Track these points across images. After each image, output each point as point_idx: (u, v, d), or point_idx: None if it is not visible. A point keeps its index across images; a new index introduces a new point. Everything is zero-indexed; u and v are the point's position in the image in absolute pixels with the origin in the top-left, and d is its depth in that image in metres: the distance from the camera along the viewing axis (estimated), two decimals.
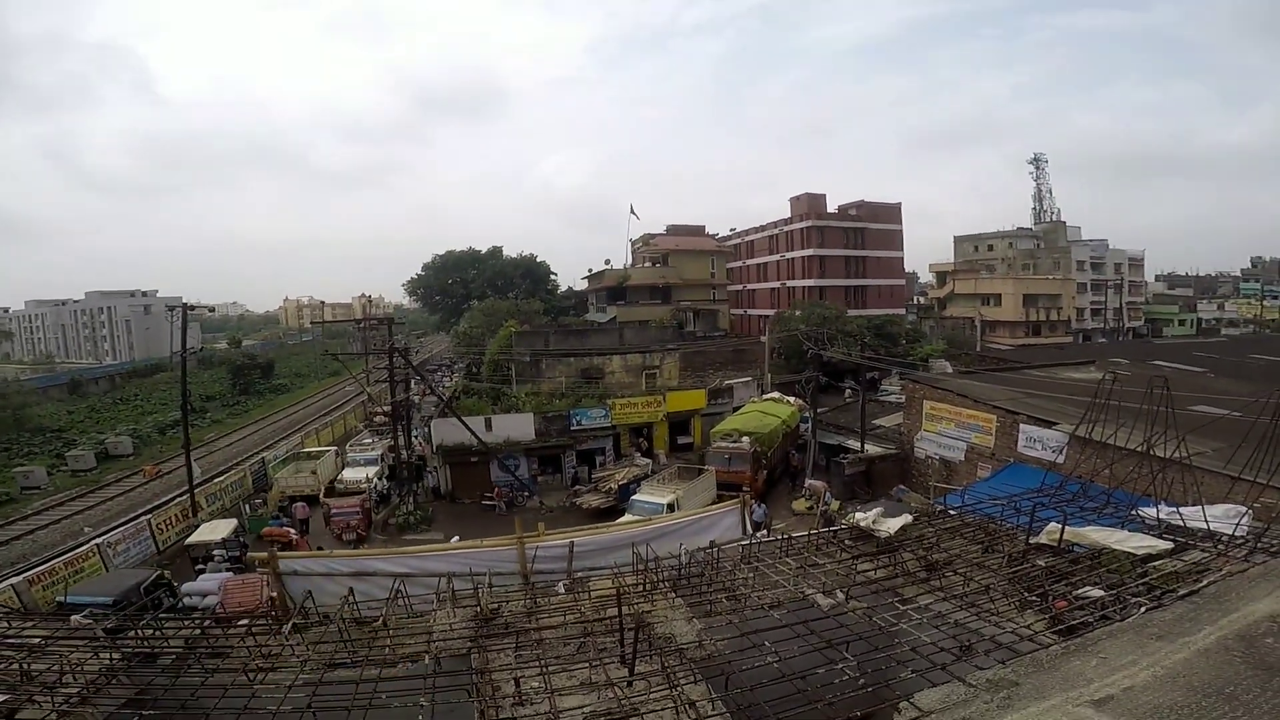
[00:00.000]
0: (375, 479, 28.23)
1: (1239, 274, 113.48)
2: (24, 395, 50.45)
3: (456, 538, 18.88)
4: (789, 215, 65.05)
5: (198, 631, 7.92)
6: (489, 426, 28.63)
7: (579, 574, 9.84)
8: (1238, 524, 6.26)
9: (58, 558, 19.78)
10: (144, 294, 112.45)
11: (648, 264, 63.58)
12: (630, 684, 5.84)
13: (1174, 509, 7.42)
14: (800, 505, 24.70)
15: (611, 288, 59.66)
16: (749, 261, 71.96)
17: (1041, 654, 3.53)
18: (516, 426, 29.45)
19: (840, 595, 6.76)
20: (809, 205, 62.55)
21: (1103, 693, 2.73)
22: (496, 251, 70.39)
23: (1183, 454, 9.04)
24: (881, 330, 48.60)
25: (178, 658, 6.99)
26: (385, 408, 34.78)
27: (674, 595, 7.99)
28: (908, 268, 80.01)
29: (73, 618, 8.91)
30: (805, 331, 37.78)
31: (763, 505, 23.19)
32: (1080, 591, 5.71)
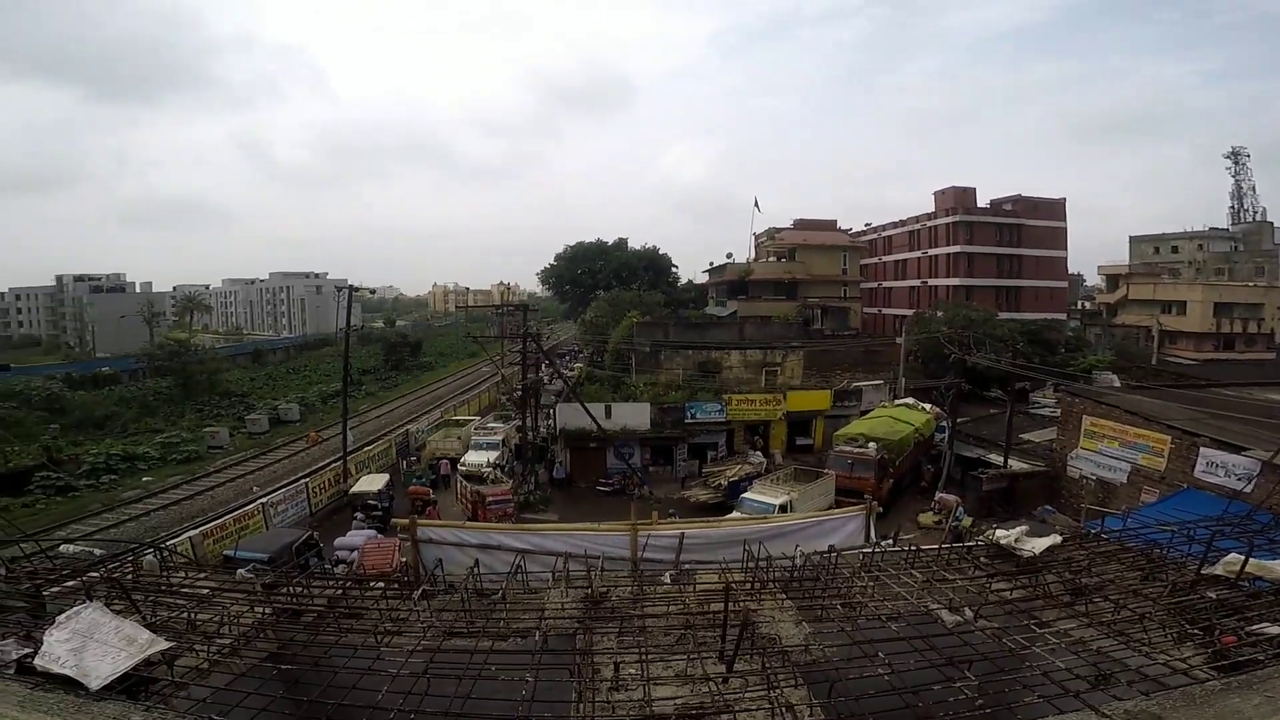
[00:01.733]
0: (496, 463, 28.63)
1: None
2: (217, 362, 58.05)
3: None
4: (932, 210, 61.32)
5: (338, 592, 8.62)
6: (608, 414, 29.28)
7: (686, 566, 9.88)
8: None
9: (229, 514, 21.70)
10: (316, 275, 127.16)
11: (772, 258, 62.08)
12: (726, 680, 5.80)
13: None
14: (927, 519, 23.20)
15: (733, 282, 58.99)
16: (885, 258, 68.57)
17: (1195, 689, 3.09)
18: (633, 415, 29.96)
19: (968, 613, 6.27)
20: (956, 199, 58.53)
21: None
22: (622, 243, 72.05)
23: None
24: (1037, 336, 44.52)
25: (318, 616, 7.58)
26: (516, 389, 36.76)
27: (783, 596, 7.81)
28: (1071, 269, 72.25)
29: (238, 572, 10.17)
30: (948, 334, 35.23)
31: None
32: (1255, 628, 4.90)
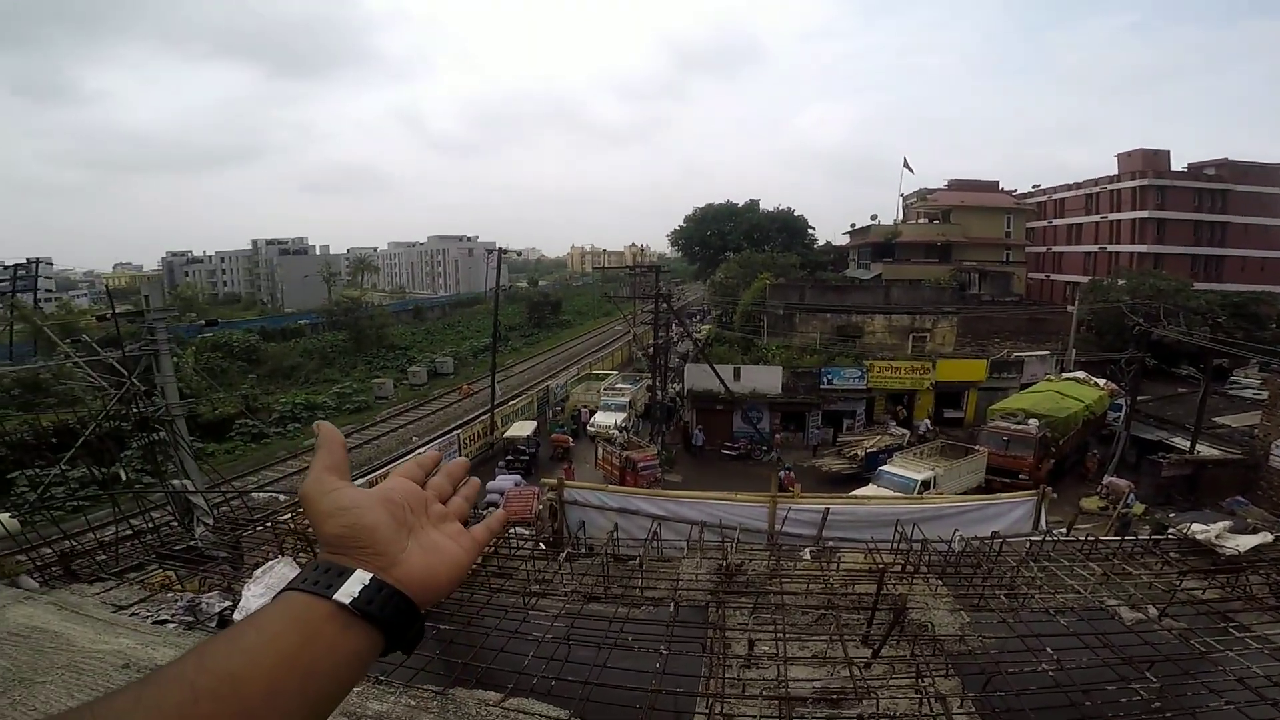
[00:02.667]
0: (623, 425, 28.61)
1: None
2: (384, 318, 63.36)
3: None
4: (1115, 173, 55.85)
5: (491, 550, 9.35)
6: (737, 376, 28.91)
7: (829, 543, 9.79)
8: None
9: (391, 464, 23.64)
10: (468, 239, 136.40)
11: (923, 220, 57.90)
12: (869, 665, 5.70)
13: None
14: (1091, 503, 21.11)
15: (878, 244, 55.79)
16: (1057, 222, 62.87)
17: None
18: (764, 379, 29.50)
19: (1152, 611, 5.70)
20: (1145, 162, 53.35)
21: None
22: (753, 205, 70.04)
23: None
24: (1243, 309, 38.67)
25: (472, 575, 8.34)
26: (648, 347, 37.46)
27: (938, 582, 7.53)
28: None
29: None
30: (1131, 304, 31.12)
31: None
32: None
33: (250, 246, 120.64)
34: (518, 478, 23.94)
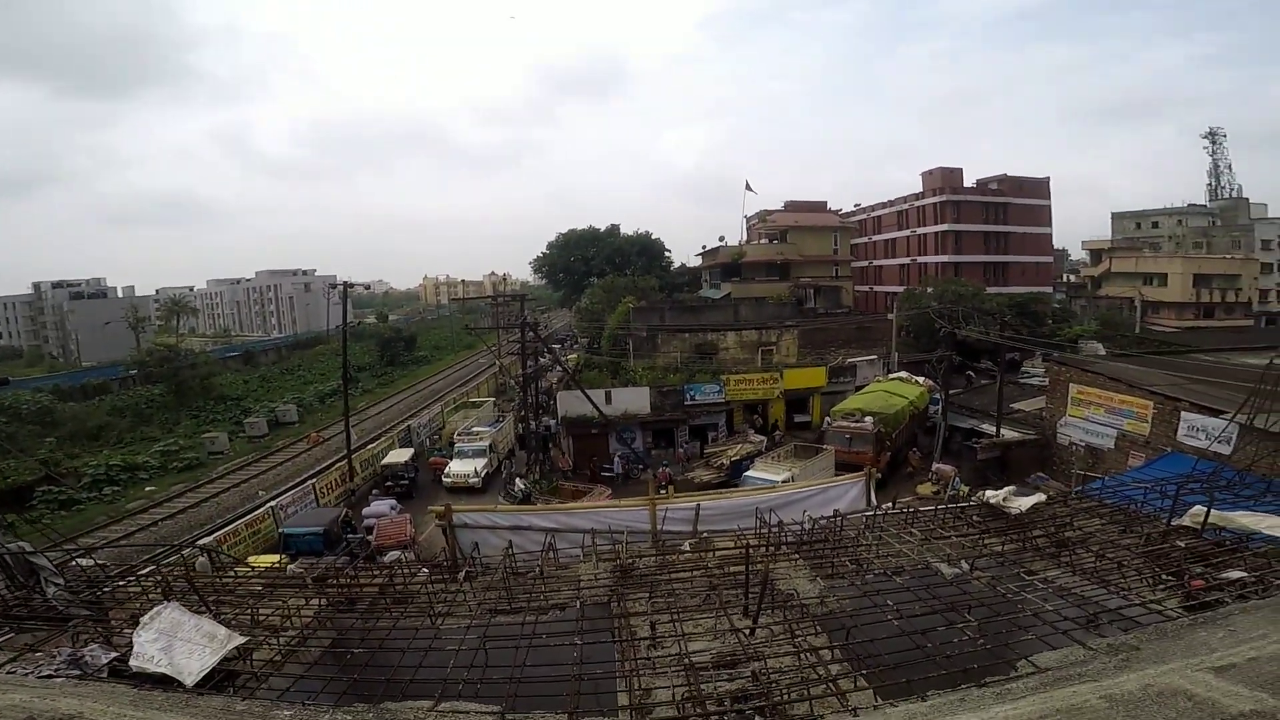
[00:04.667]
0: (484, 471, 26.99)
1: None
2: (209, 366, 56.40)
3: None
4: (920, 190, 62.77)
5: (387, 579, 9.15)
6: (608, 399, 29.48)
7: (704, 534, 10.55)
8: None
9: (239, 519, 21.88)
10: (304, 272, 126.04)
11: (764, 240, 62.76)
12: (753, 632, 6.40)
13: None
14: (925, 489, 23.97)
15: (726, 264, 59.54)
16: (875, 237, 70.00)
17: (1167, 625, 3.66)
18: (633, 400, 30.33)
19: (965, 565, 6.93)
20: (943, 179, 60.42)
21: (1225, 661, 2.82)
22: (614, 230, 72.11)
23: None
24: (1024, 309, 45.53)
25: (371, 603, 8.09)
26: (516, 378, 37.09)
27: (796, 557, 8.47)
28: (1059, 244, 73.91)
29: (289, 568, 10.68)
30: (937, 309, 35.89)
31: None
32: (1221, 573, 5.54)
33: (32, 290, 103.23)
34: (392, 502, 23.40)
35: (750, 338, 36.22)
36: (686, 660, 5.68)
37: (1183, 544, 6.39)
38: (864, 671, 5.04)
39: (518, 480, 25.35)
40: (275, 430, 42.97)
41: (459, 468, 27.14)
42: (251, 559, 16.24)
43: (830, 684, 4.82)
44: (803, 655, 5.68)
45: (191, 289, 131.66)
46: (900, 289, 55.27)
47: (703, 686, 5.14)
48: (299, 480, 28.22)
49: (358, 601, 8.13)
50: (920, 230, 62.03)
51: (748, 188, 62.51)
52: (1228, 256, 63.25)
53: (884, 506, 11.19)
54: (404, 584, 8.84)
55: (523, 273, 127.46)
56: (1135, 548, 6.59)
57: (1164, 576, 5.77)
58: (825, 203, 68.71)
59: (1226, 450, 16.38)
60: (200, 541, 18.91)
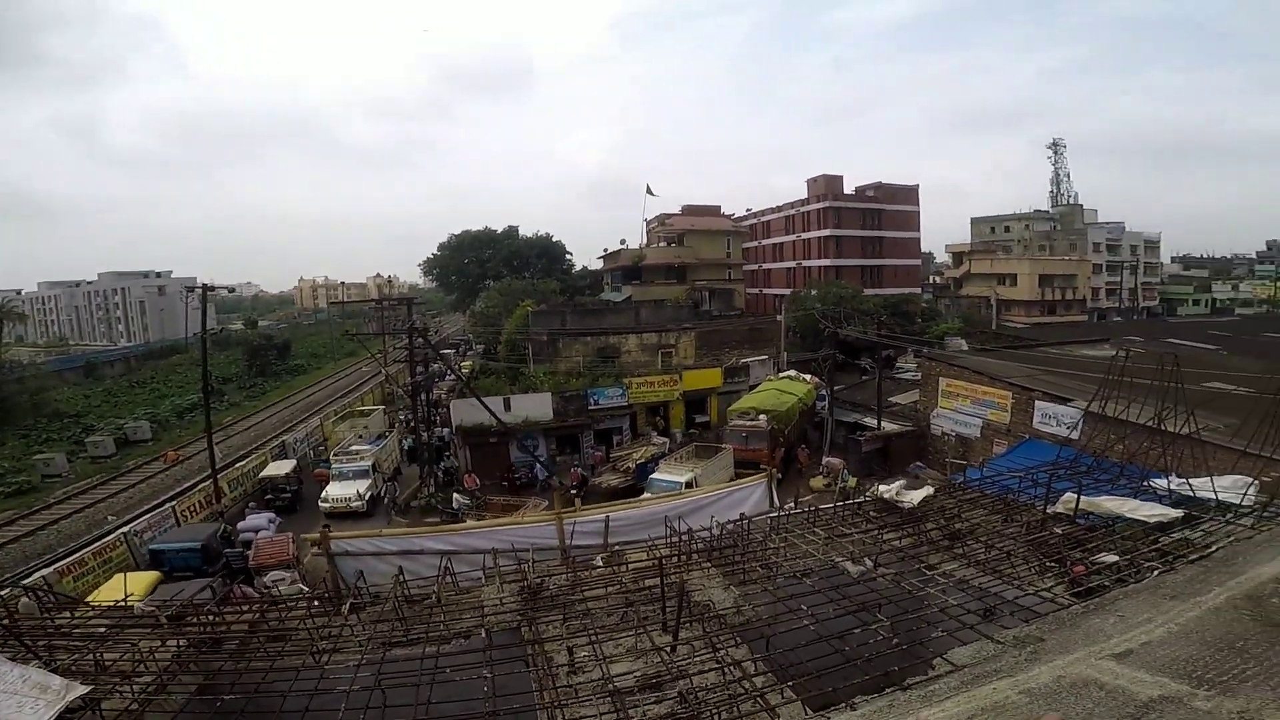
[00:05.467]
0: (367, 494, 24.86)
1: (1254, 256, 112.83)
2: (41, 379, 50.27)
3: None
4: (806, 196, 65.46)
5: (257, 615, 8.25)
6: (507, 406, 28.65)
7: (615, 548, 10.35)
8: (1244, 494, 6.58)
9: (85, 548, 19.39)
10: (158, 274, 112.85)
11: (663, 244, 63.76)
12: (674, 649, 6.28)
13: (1184, 480, 7.73)
14: (818, 483, 25.12)
15: (627, 267, 59.93)
16: (765, 241, 72.42)
17: (1063, 613, 3.87)
18: (535, 406, 29.63)
19: (869, 563, 7.19)
20: (826, 186, 63.13)
21: (1123, 647, 3.03)
22: (513, 231, 70.52)
23: (1192, 429, 9.33)
24: (897, 309, 48.93)
25: (241, 642, 7.24)
26: (404, 387, 35.16)
27: (709, 565, 8.46)
28: (926, 248, 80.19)
29: (136, 606, 9.32)
30: (821, 310, 37.86)
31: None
32: (1097, 557, 6.07)
33: None
34: (270, 515, 22.13)
35: (651, 340, 36.54)
36: (611, 685, 5.46)
37: (1060, 531, 6.96)
38: (789, 683, 5.04)
39: (456, 496, 24.14)
40: (125, 449, 38.45)
41: (338, 491, 24.93)
42: (122, 576, 14.15)
43: (758, 699, 4.79)
44: (726, 670, 5.63)
45: (18, 292, 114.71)
46: (787, 291, 57.62)
47: (630, 712, 4.94)
48: (157, 503, 25.31)
49: (225, 640, 7.22)
50: (805, 235, 64.89)
51: (648, 191, 63.44)
52: (1066, 258, 71.75)
53: (786, 506, 11.50)
54: (280, 619, 7.98)
55: (412, 275, 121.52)
56: (1019, 537, 7.11)
57: (1048, 564, 6.24)
58: (719, 207, 70.71)
59: (1076, 436, 18.38)
60: (40, 573, 16.77)
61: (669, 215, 67.64)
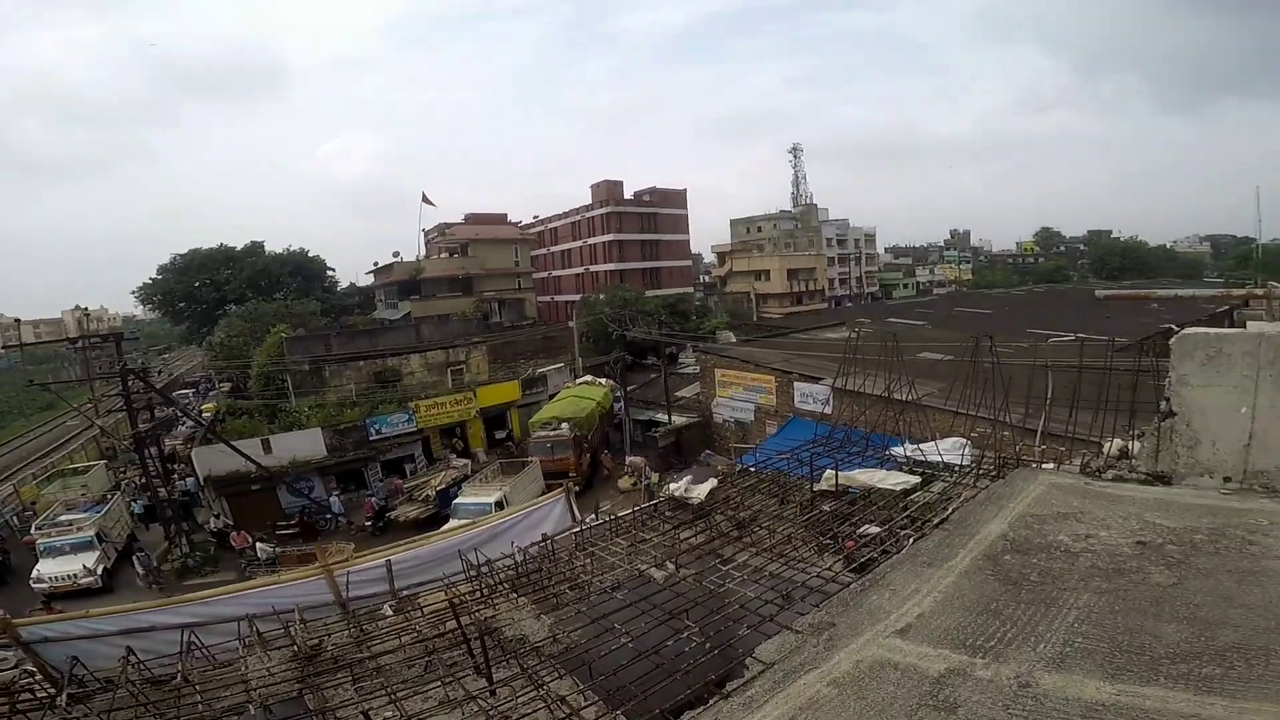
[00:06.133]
0: (99, 566, 21.13)
1: (943, 244, 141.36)
2: None
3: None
4: (590, 202, 66.92)
5: None
6: (268, 448, 25.42)
7: (406, 592, 9.35)
8: (962, 454, 7.94)
9: None
10: None
11: (445, 255, 60.72)
12: (493, 692, 5.76)
13: (916, 446, 9.00)
14: (625, 483, 25.72)
15: (404, 281, 56.04)
16: (553, 248, 72.74)
17: (845, 593, 4.11)
18: (303, 444, 26.56)
19: (671, 566, 7.27)
20: (608, 192, 65.17)
21: (902, 622, 3.24)
22: (257, 248, 61.71)
23: (914, 396, 11.07)
24: (675, 308, 51.97)
25: None
26: (128, 440, 28.91)
27: (515, 595, 7.99)
28: (695, 249, 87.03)
29: None
30: (609, 314, 38.96)
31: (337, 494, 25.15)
32: (862, 530, 6.78)
33: None
34: None
35: (437, 358, 34.47)
36: None
37: (828, 508, 7.68)
38: (620, 710, 4.83)
39: (261, 546, 21.26)
40: None
41: (56, 568, 20.91)
42: None
43: None
44: (553, 707, 5.24)
45: None
46: (578, 297, 58.38)
47: None
48: None
49: None
50: (591, 240, 66.47)
51: (425, 200, 58.99)
52: (807, 254, 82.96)
53: (587, 519, 11.39)
54: None
55: (126, 305, 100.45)
56: (795, 518, 7.70)
57: (825, 541, 6.82)
58: (506, 215, 69.54)
59: (828, 410, 21.13)
60: None
61: (450, 225, 64.79)
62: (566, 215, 71.12)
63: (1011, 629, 3.00)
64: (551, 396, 33.30)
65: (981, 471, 6.81)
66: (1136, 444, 4.88)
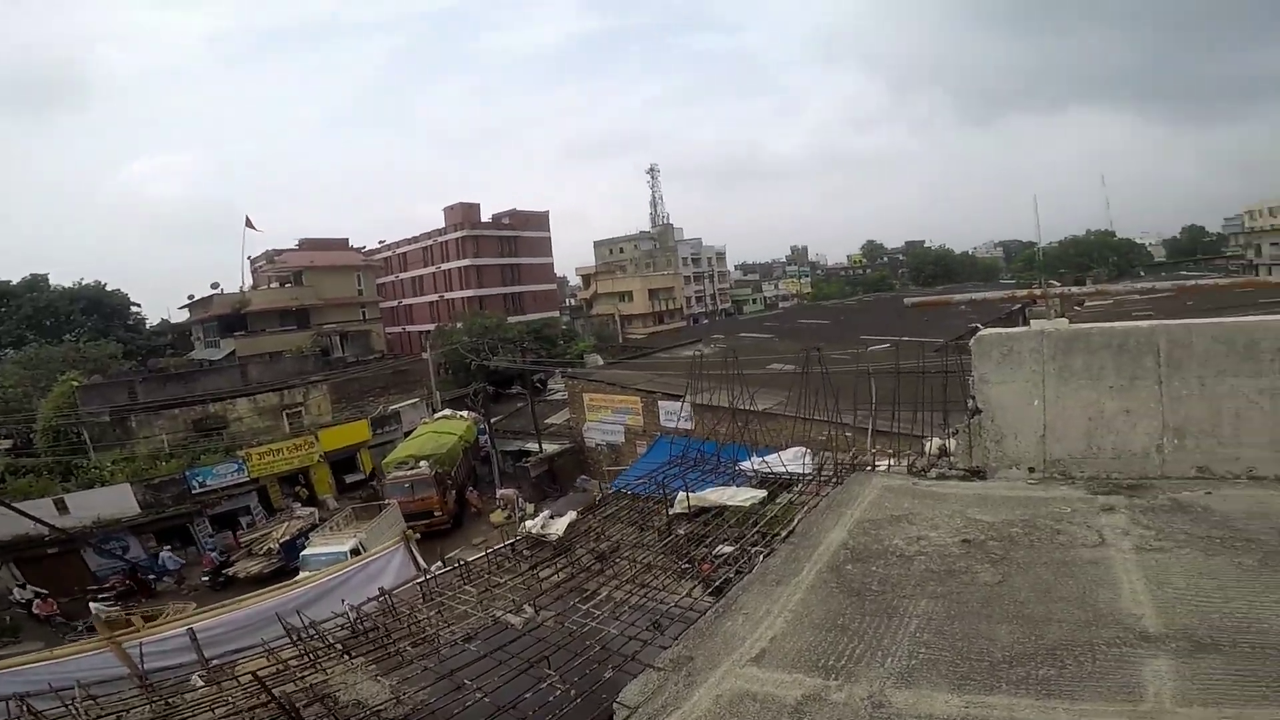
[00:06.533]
0: None
1: (784, 260, 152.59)
2: None
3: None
4: (444, 225, 64.37)
5: None
6: (62, 508, 22.35)
7: (218, 661, 8.02)
8: (804, 462, 8.17)
9: None
10: None
11: (275, 284, 55.21)
12: None
13: (762, 459, 9.10)
14: (498, 517, 24.68)
15: (226, 316, 50.02)
16: (403, 275, 69.14)
17: (701, 622, 3.90)
18: (108, 502, 23.41)
19: (529, 609, 6.74)
20: (463, 214, 63.28)
21: (757, 648, 3.06)
22: (39, 282, 52.63)
23: (754, 406, 11.23)
24: (540, 333, 51.22)
25: None
26: None
27: (349, 657, 7.06)
28: (560, 272, 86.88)
29: None
30: (468, 344, 37.44)
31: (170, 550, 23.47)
32: (717, 551, 6.68)
33: None
34: None
35: (270, 401, 31.05)
36: None
37: (683, 531, 7.52)
38: None
39: (94, 606, 17.99)
40: None
41: None
42: None
43: None
44: None
45: None
46: (431, 327, 55.74)
47: None
48: None
49: None
50: (445, 266, 63.76)
51: (249, 224, 52.93)
52: (666, 273, 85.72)
53: (433, 566, 10.55)
54: None
55: None
56: (654, 544, 7.47)
57: (683, 566, 6.63)
58: (347, 240, 64.85)
59: (690, 426, 21.56)
60: None
61: (281, 251, 59.09)
62: (417, 240, 68.02)
63: (860, 644, 2.91)
64: (408, 434, 31.40)
65: (823, 479, 7.00)
66: (953, 441, 5.17)
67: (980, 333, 4.94)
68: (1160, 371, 4.41)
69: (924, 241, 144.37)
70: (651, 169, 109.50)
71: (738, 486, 8.07)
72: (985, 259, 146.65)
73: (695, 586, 5.99)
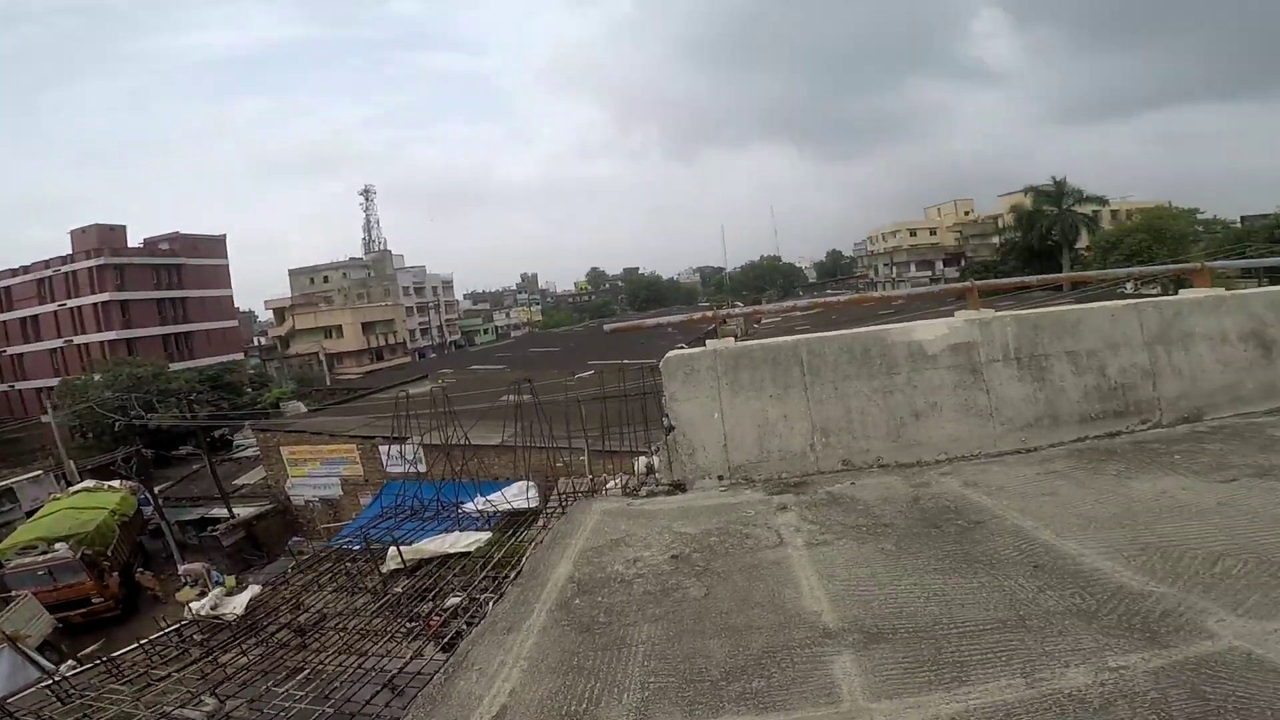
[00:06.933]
0: None
1: (515, 288, 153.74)
2: None
3: None
4: (71, 252, 52.30)
5: None
6: None
7: None
8: (529, 496, 8.10)
9: None
10: None
11: None
12: None
13: (485, 497, 8.80)
14: (186, 594, 20.16)
15: None
16: (7, 316, 53.76)
17: (431, 685, 3.54)
18: None
19: (210, 701, 5.45)
20: (100, 239, 51.97)
21: (496, 705, 2.79)
22: None
23: (468, 440, 10.74)
24: (218, 381, 43.70)
25: None
26: None
27: None
28: (246, 306, 74.47)
29: None
30: (112, 400, 30.17)
31: None
32: (445, 603, 6.23)
33: None
34: None
35: None
36: None
37: (400, 589, 6.82)
38: None
39: None
40: None
41: None
42: None
43: None
44: None
45: None
46: (55, 382, 44.81)
47: None
48: None
49: None
50: (74, 303, 51.33)
51: None
52: (383, 304, 79.22)
53: (67, 664, 8.15)
54: None
55: None
56: (369, 608, 6.62)
57: (408, 625, 6.02)
58: None
59: (423, 468, 20.15)
60: None
61: None
62: (29, 270, 53.55)
63: (596, 683, 2.88)
64: (30, 514, 25.91)
65: (546, 510, 7.03)
66: (656, 459, 5.61)
67: (667, 355, 5.48)
68: (805, 379, 5.37)
69: (639, 268, 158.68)
70: (366, 190, 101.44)
71: (460, 531, 7.67)
72: (687, 284, 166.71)
73: (425, 645, 5.48)
